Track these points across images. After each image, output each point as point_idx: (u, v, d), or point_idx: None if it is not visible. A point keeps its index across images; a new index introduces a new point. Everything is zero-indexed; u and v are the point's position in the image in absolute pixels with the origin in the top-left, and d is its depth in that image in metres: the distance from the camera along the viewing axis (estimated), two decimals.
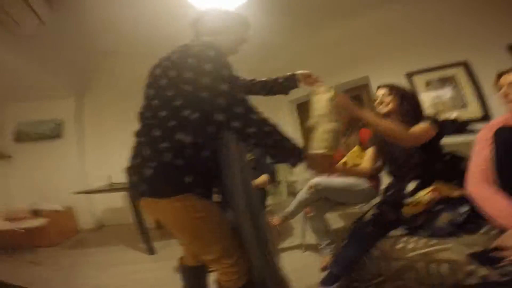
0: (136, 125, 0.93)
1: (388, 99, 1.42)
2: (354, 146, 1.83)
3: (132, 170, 0.87)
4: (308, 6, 2.91)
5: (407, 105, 1.38)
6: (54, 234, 2.87)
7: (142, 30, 2.91)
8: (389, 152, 1.48)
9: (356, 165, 1.77)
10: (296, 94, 4.17)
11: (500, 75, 1.06)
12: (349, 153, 1.82)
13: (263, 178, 2.04)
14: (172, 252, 2.22)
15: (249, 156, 2.17)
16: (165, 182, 0.81)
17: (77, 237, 3.24)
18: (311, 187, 1.70)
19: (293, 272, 1.64)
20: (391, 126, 1.20)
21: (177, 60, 0.85)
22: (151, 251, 2.37)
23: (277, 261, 1.05)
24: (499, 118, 1.14)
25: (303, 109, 4.22)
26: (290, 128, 4.26)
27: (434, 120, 1.30)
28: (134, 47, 3.12)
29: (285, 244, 2.21)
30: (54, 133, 3.57)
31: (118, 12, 2.61)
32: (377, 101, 1.47)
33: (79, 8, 2.51)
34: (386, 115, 1.43)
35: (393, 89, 1.44)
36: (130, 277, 1.93)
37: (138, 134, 0.90)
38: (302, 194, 1.76)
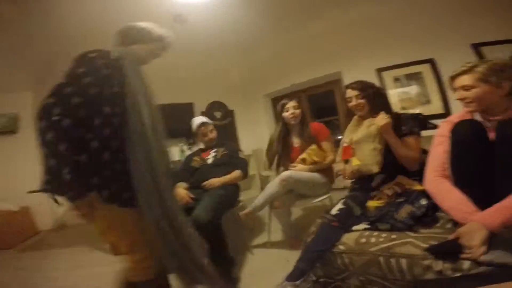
0: None
1: (362, 102, 1.46)
2: (308, 141, 1.90)
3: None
4: (286, 3, 2.89)
5: (379, 105, 1.44)
6: (9, 235, 2.69)
7: (108, 27, 2.73)
8: None
9: (315, 161, 1.85)
10: (272, 88, 4.21)
11: (453, 78, 1.07)
12: (308, 150, 1.87)
13: (236, 173, 1.99)
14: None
15: (222, 151, 2.12)
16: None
17: (36, 238, 3.01)
18: (283, 180, 1.72)
19: (261, 270, 1.67)
20: (408, 153, 1.33)
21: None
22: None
23: (197, 249, 1.08)
24: (457, 113, 1.18)
25: (277, 102, 4.22)
26: (264, 121, 4.26)
27: (418, 132, 1.40)
28: (98, 43, 2.96)
29: (258, 240, 2.21)
30: (8, 127, 3.28)
31: (82, 8, 2.50)
32: (351, 103, 1.49)
33: (42, 2, 2.35)
34: (360, 116, 1.50)
35: (365, 91, 1.46)
36: (94, 279, 1.82)
37: None
38: (272, 187, 1.75)
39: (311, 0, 2.90)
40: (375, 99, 1.45)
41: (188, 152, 2.91)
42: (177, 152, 3.22)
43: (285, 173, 1.75)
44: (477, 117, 1.07)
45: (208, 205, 1.57)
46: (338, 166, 1.41)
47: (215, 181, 1.87)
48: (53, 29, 2.74)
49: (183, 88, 3.80)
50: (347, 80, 3.31)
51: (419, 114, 1.58)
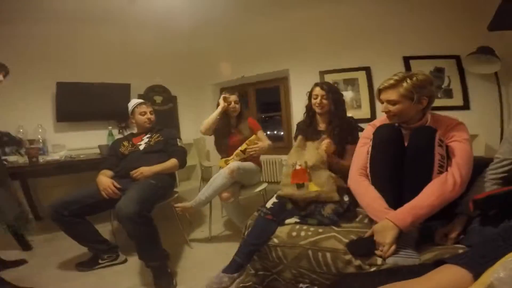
0: None
1: (325, 102, 1.63)
2: (245, 133, 2.06)
3: None
4: None
5: (337, 109, 1.64)
6: None
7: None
8: None
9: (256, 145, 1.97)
10: (221, 78, 4.07)
11: (380, 90, 1.16)
12: (247, 141, 1.96)
13: (171, 162, 1.84)
14: (52, 248, 1.92)
15: (156, 137, 1.94)
16: None
17: None
18: (232, 171, 1.74)
19: (200, 263, 1.63)
20: (345, 164, 1.46)
21: None
22: (26, 246, 1.93)
23: None
24: (380, 118, 1.30)
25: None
26: (210, 110, 4.10)
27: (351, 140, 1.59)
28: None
29: (197, 233, 2.13)
30: None
31: None
32: (316, 100, 1.65)
33: None
34: (320, 113, 1.67)
35: (331, 94, 1.64)
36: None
37: None
38: (221, 179, 1.74)
39: None
40: (336, 104, 1.63)
41: (118, 137, 2.59)
42: (105, 135, 2.85)
43: (234, 164, 1.79)
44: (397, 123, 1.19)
45: (134, 196, 1.41)
46: (285, 190, 1.31)
47: (145, 170, 1.69)
48: None
49: (122, 67, 3.37)
50: (293, 78, 3.43)
51: (351, 117, 1.73)
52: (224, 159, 2.02)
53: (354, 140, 1.54)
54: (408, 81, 1.06)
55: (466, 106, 2.67)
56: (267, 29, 3.48)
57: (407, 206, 0.94)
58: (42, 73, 2.80)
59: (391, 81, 1.09)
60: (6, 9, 2.50)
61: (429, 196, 0.93)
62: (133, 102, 2.01)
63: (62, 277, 1.53)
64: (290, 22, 3.33)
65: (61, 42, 2.93)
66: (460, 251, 0.84)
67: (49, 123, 2.85)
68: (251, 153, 1.94)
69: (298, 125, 1.81)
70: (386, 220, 0.93)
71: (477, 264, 0.44)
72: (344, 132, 1.60)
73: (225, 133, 2.08)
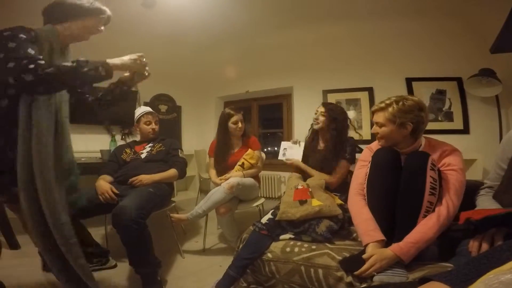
0: None
1: (322, 118, 1.73)
2: (243, 151, 2.08)
3: None
4: (258, 7, 2.96)
5: (334, 128, 1.70)
6: None
7: None
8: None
9: (252, 164, 2.02)
10: (224, 92, 4.14)
11: (373, 112, 1.21)
12: (244, 155, 2.02)
13: (170, 172, 1.86)
14: None
15: (158, 147, 1.98)
16: None
17: None
18: (232, 187, 1.75)
19: (192, 273, 1.61)
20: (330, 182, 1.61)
21: None
22: (13, 245, 1.89)
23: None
24: (377, 141, 1.33)
25: (228, 106, 4.20)
26: (213, 123, 4.17)
27: (349, 159, 1.66)
28: None
29: (191, 243, 2.11)
30: None
31: None
32: (315, 115, 1.77)
33: None
34: (318, 129, 1.77)
35: (329, 111, 1.73)
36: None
37: None
38: (219, 194, 1.75)
39: (282, 11, 3.01)
40: (333, 124, 1.70)
41: (120, 143, 2.63)
42: (107, 140, 2.89)
43: (234, 180, 1.79)
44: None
45: (131, 202, 1.41)
46: (286, 210, 1.29)
47: (144, 178, 1.71)
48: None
49: None
50: (297, 95, 3.50)
51: (351, 138, 1.76)
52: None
53: (346, 157, 1.66)
54: (395, 105, 1.10)
55: (466, 130, 2.69)
56: (273, 46, 3.59)
57: (410, 240, 0.95)
58: None
59: (382, 105, 1.15)
60: (24, 12, 2.62)
61: (430, 230, 0.95)
62: (141, 109, 2.05)
63: (48, 277, 1.51)
64: (296, 40, 3.45)
65: (72, 47, 3.05)
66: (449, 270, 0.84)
67: None
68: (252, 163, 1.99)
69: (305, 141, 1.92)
70: (389, 251, 0.93)
71: (461, 282, 0.45)
72: (339, 148, 1.67)
73: (225, 154, 2.06)
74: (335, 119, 1.71)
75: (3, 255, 1.77)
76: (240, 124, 2.04)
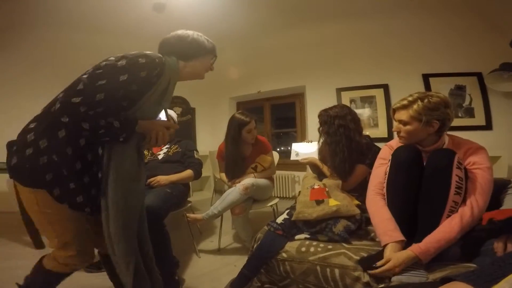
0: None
1: (321, 128, 1.70)
2: (254, 156, 2.07)
3: (11, 150, 0.87)
4: (269, 7, 2.97)
5: (326, 132, 1.66)
6: None
7: (87, 14, 2.79)
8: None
9: (264, 167, 2.04)
10: (236, 93, 4.17)
11: (394, 110, 1.16)
12: (258, 158, 2.04)
13: (186, 173, 1.90)
14: None
15: (174, 149, 2.02)
16: (27, 171, 0.85)
17: None
18: (247, 188, 1.76)
19: (208, 273, 1.63)
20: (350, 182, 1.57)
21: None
22: (38, 244, 2.00)
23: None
24: (396, 139, 1.29)
25: (241, 106, 4.24)
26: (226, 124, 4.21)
27: (368, 163, 1.55)
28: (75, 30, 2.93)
29: (206, 243, 2.15)
30: None
31: None
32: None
33: None
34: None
35: (322, 118, 1.68)
36: (12, 273, 1.57)
37: (35, 117, 0.90)
38: (235, 195, 1.76)
39: (291, 10, 3.01)
40: (327, 127, 1.65)
41: None
42: None
43: (248, 181, 1.80)
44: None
45: (150, 202, 1.45)
46: (302, 210, 1.28)
47: (162, 179, 1.76)
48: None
49: None
50: (309, 94, 3.47)
51: (367, 136, 1.72)
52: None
53: (366, 162, 1.56)
54: (419, 103, 1.06)
55: (488, 126, 2.58)
56: (284, 45, 3.58)
57: (431, 240, 0.92)
58: (70, 81, 3.02)
59: (404, 102, 1.10)
60: (37, 16, 2.75)
61: (452, 231, 0.92)
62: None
63: (70, 277, 1.57)
64: (307, 40, 3.43)
65: (88, 51, 3.11)
66: None
67: None
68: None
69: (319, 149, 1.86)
70: (408, 251, 0.91)
71: (484, 282, 0.43)
72: (353, 153, 1.57)
73: (237, 161, 1.99)
74: (325, 122, 1.65)
75: (27, 254, 1.87)
76: (254, 132, 1.99)
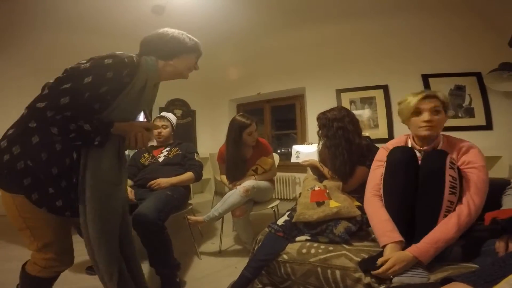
0: None
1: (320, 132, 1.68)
2: (254, 158, 2.06)
3: None
4: (270, 8, 2.99)
5: (333, 136, 1.59)
6: None
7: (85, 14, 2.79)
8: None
9: (265, 169, 2.04)
10: (236, 95, 4.18)
11: (424, 98, 1.11)
12: (258, 161, 2.04)
13: (187, 175, 1.90)
14: None
15: (175, 151, 2.03)
16: (4, 177, 0.86)
17: None
18: (247, 190, 1.76)
19: (209, 275, 1.63)
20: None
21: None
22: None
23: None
24: (392, 140, 1.31)
25: (241, 108, 4.25)
26: (226, 126, 4.22)
27: (367, 164, 1.50)
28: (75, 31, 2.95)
29: (207, 245, 2.15)
30: None
31: None
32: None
33: None
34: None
35: (321, 121, 1.65)
36: (12, 275, 1.56)
37: (13, 123, 0.90)
38: (235, 197, 1.76)
39: (290, 12, 3.02)
40: (326, 129, 1.62)
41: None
42: None
43: (249, 183, 1.80)
44: (409, 144, 1.20)
45: (151, 205, 1.47)
46: (303, 211, 1.28)
47: (163, 181, 1.77)
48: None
49: None
50: (309, 96, 3.48)
51: (367, 137, 1.72)
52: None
53: (366, 163, 1.52)
54: (440, 94, 1.10)
55: (488, 126, 2.58)
56: (284, 47, 3.59)
57: (429, 240, 0.92)
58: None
59: (429, 92, 1.10)
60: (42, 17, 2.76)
61: (449, 230, 0.92)
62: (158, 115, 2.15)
63: (71, 278, 1.56)
64: (307, 41, 3.43)
65: (87, 54, 3.15)
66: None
67: None
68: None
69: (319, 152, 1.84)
70: (407, 253, 0.92)
71: (485, 283, 0.43)
72: (353, 155, 1.55)
73: (238, 163, 1.99)
74: (324, 125, 1.64)
75: (27, 256, 1.86)
76: (255, 134, 2.00)
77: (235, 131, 1.95)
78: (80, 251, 1.78)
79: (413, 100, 1.10)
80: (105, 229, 0.93)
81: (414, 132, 1.15)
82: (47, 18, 2.84)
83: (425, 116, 1.08)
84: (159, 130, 2.04)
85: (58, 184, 0.90)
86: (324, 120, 1.64)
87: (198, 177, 1.97)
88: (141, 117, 1.14)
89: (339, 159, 1.54)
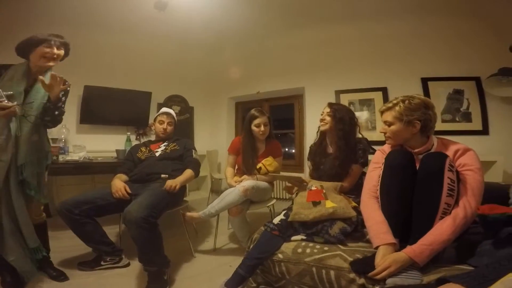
0: None
1: (329, 119, 1.66)
2: (265, 155, 2.07)
3: None
4: (271, 7, 2.97)
5: (341, 129, 1.62)
6: None
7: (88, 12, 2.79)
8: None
9: (268, 171, 2.00)
10: (235, 93, 4.17)
11: (381, 112, 1.22)
12: (264, 160, 2.02)
13: (189, 172, 1.87)
14: (56, 245, 1.83)
15: (172, 146, 2.02)
16: None
17: None
18: (247, 190, 1.75)
19: (203, 273, 1.62)
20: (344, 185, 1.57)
21: None
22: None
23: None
24: None
25: (240, 106, 4.25)
26: (225, 124, 4.22)
27: (362, 162, 1.60)
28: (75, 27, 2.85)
29: (202, 243, 2.14)
30: None
31: None
32: (321, 116, 1.71)
33: None
34: (325, 131, 1.70)
35: (334, 112, 1.65)
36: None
37: None
38: (234, 196, 1.74)
39: (292, 12, 3.02)
40: (340, 124, 1.62)
41: (135, 143, 2.70)
42: (123, 140, 2.97)
43: (249, 183, 1.78)
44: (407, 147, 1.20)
45: (143, 201, 1.44)
46: (299, 211, 1.28)
47: (173, 183, 1.69)
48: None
49: (144, 76, 3.57)
50: (308, 96, 3.47)
51: (364, 139, 1.72)
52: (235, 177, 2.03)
53: (359, 161, 1.59)
54: (401, 104, 1.13)
55: (485, 131, 2.59)
56: (284, 46, 3.58)
57: (424, 242, 0.93)
58: (72, 76, 3.02)
59: (389, 104, 1.18)
60: (45, 13, 2.73)
61: (445, 233, 0.93)
62: (161, 110, 2.13)
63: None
64: (307, 41, 3.43)
65: (90, 48, 3.10)
66: None
67: (72, 124, 2.99)
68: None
69: (310, 147, 1.86)
70: (403, 254, 0.92)
71: (479, 284, 0.43)
72: (349, 152, 1.59)
73: (252, 155, 2.03)
74: (341, 119, 1.63)
75: None
76: (262, 128, 2.00)
77: (247, 122, 2.05)
78: (71, 247, 1.79)
79: None
80: None
81: None
82: (51, 14, 2.80)
83: (380, 128, 1.22)
84: (164, 127, 2.05)
85: None
86: (345, 111, 1.68)
87: (196, 174, 1.95)
88: None
89: (339, 160, 1.59)
